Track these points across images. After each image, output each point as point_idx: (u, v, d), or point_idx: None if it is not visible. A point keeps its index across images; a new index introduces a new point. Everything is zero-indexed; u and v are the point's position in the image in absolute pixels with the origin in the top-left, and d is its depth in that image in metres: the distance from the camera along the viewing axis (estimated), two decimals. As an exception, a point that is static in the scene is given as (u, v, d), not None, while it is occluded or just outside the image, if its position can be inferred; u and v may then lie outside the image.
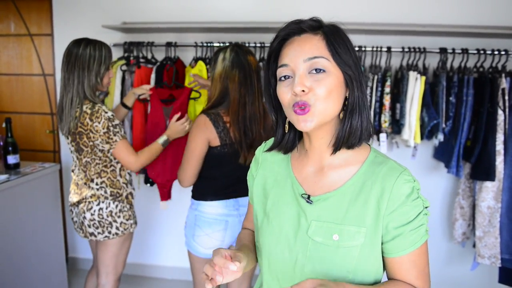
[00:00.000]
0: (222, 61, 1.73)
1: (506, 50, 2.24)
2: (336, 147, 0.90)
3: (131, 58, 2.54)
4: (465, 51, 2.29)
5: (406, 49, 2.34)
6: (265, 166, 1.05)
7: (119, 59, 2.55)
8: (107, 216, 1.89)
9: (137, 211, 2.92)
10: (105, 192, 1.89)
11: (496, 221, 2.24)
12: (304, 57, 0.85)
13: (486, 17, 2.41)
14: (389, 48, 2.35)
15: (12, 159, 2.40)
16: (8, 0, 2.92)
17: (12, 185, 2.22)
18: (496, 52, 2.25)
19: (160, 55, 2.62)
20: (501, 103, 2.17)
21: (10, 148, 2.39)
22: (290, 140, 0.98)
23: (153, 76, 2.45)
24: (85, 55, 1.79)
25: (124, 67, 2.49)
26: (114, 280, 2.03)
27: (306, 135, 0.94)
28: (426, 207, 0.88)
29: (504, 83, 2.17)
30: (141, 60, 2.53)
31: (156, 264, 3.04)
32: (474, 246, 2.37)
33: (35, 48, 2.97)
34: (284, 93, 0.87)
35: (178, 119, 2.00)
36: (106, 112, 1.79)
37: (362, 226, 0.86)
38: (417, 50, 2.33)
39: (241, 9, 2.62)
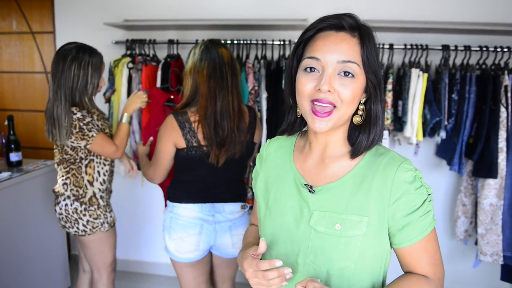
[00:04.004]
0: (192, 56, 1.67)
1: (508, 47, 2.23)
2: (357, 155, 0.91)
3: (136, 55, 2.54)
4: (467, 48, 2.28)
5: (408, 46, 2.34)
6: (269, 161, 1.06)
7: (123, 56, 2.55)
8: (73, 213, 1.91)
9: (136, 208, 2.94)
10: (66, 190, 1.91)
11: (498, 218, 2.23)
12: (339, 58, 0.83)
13: (488, 14, 2.40)
14: (391, 45, 2.35)
15: (14, 156, 2.41)
16: (10, -2, 2.92)
17: (15, 182, 2.23)
18: (498, 49, 2.24)
19: (162, 53, 2.62)
20: (503, 101, 2.17)
21: (12, 146, 2.40)
22: (299, 124, 0.99)
23: (159, 73, 2.45)
24: (70, 75, 1.80)
25: (130, 65, 2.49)
26: (107, 273, 2.05)
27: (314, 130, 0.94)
28: (429, 194, 0.89)
29: (506, 80, 2.17)
30: (147, 58, 2.53)
31: (158, 262, 3.05)
32: (476, 243, 2.37)
33: (37, 46, 2.97)
34: (305, 84, 0.86)
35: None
36: (75, 114, 1.81)
37: (365, 216, 0.86)
38: (419, 47, 2.32)
39: (243, 6, 2.62)
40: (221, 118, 1.63)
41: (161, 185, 2.12)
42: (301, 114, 0.95)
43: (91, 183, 1.93)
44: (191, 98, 1.68)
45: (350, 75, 0.84)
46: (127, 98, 2.10)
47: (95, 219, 1.93)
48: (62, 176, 1.93)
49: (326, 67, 0.84)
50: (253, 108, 1.81)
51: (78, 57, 1.81)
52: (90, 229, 1.92)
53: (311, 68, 0.86)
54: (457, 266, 2.70)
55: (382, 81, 0.89)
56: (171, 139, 1.66)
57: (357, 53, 0.85)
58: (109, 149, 1.90)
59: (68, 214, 1.91)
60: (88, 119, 1.84)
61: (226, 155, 1.66)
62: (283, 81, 2.32)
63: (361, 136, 0.90)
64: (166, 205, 1.93)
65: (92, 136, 1.83)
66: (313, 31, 0.88)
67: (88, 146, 1.86)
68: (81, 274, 2.22)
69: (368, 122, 0.90)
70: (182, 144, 1.65)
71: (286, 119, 1.00)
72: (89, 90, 1.87)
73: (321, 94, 0.83)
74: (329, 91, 0.83)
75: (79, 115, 1.82)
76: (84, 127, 1.82)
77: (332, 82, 0.83)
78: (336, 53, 0.84)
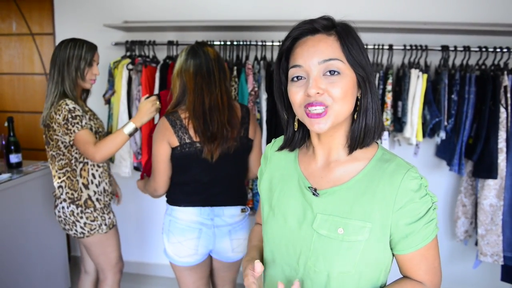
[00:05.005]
0: (179, 59, 1.69)
1: (508, 48, 2.24)
2: (352, 148, 0.91)
3: (136, 57, 2.54)
4: (467, 48, 2.28)
5: (408, 47, 2.34)
6: (273, 161, 1.06)
7: (123, 57, 2.56)
8: (70, 216, 1.91)
9: (138, 209, 2.94)
10: (61, 193, 1.92)
11: (498, 219, 2.23)
12: (319, 59, 0.84)
13: (488, 14, 2.40)
14: (390, 46, 2.35)
15: (14, 158, 2.41)
16: (10, -1, 2.93)
17: (15, 184, 2.23)
18: (498, 50, 2.24)
19: (161, 54, 2.63)
20: (503, 101, 2.17)
21: (12, 147, 2.40)
22: (299, 138, 0.98)
23: (157, 74, 2.45)
24: (65, 52, 1.87)
25: (130, 66, 2.49)
26: (112, 274, 2.06)
27: (314, 132, 0.94)
28: (434, 202, 0.89)
29: (506, 81, 2.17)
30: (147, 59, 2.53)
31: (159, 263, 3.05)
32: (476, 244, 2.36)
33: (36, 48, 2.97)
34: (296, 93, 0.86)
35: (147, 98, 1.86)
36: (67, 105, 1.81)
37: (368, 222, 0.86)
38: (419, 48, 2.32)
39: (243, 7, 2.62)
40: (210, 113, 1.63)
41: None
42: (298, 128, 0.95)
43: (86, 186, 1.92)
44: (180, 97, 1.69)
45: (335, 73, 0.84)
46: (138, 105, 1.91)
47: (92, 221, 1.92)
48: (59, 178, 1.93)
49: (310, 71, 0.85)
50: (246, 105, 1.80)
51: (74, 40, 1.90)
52: (88, 231, 1.92)
53: (297, 77, 0.87)
54: (457, 267, 2.70)
55: (373, 74, 0.89)
56: (165, 138, 1.65)
57: (337, 49, 0.85)
58: (87, 149, 1.82)
59: (66, 216, 1.92)
60: (77, 113, 1.82)
61: (219, 149, 1.65)
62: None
63: (353, 127, 0.90)
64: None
65: (74, 131, 1.81)
66: (290, 41, 0.90)
67: (71, 142, 1.85)
68: (82, 276, 2.22)
69: (359, 114, 0.90)
70: (175, 142, 1.65)
71: (285, 135, 1.00)
72: (81, 64, 1.87)
73: (311, 98, 0.84)
74: (318, 93, 0.83)
75: (70, 106, 1.81)
76: (70, 120, 1.80)
77: (319, 84, 0.83)
78: (316, 55, 0.84)
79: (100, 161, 1.84)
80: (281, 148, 1.02)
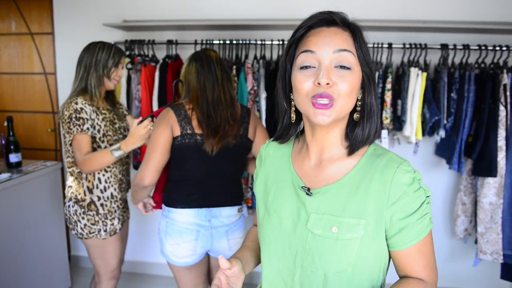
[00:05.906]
0: (183, 66, 1.77)
1: (507, 46, 2.23)
2: (353, 150, 0.90)
3: (136, 56, 2.54)
4: (466, 47, 2.28)
5: (407, 46, 2.34)
6: (268, 162, 1.05)
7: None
8: (73, 215, 1.92)
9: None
10: (68, 192, 1.94)
11: (498, 217, 2.24)
12: (335, 48, 0.83)
13: (487, 12, 2.41)
14: (390, 45, 2.35)
15: (14, 157, 2.41)
16: (9, -1, 2.92)
17: (14, 183, 2.23)
18: (497, 48, 2.24)
19: (161, 53, 2.63)
20: (502, 99, 2.17)
21: (12, 147, 2.40)
22: (292, 129, 0.98)
23: (157, 74, 2.45)
24: (94, 51, 1.90)
25: (129, 65, 2.49)
26: (106, 279, 2.04)
27: (309, 128, 0.93)
28: (427, 196, 0.88)
29: (505, 79, 2.17)
30: (146, 58, 2.53)
31: (159, 262, 3.05)
32: (476, 242, 2.37)
33: (36, 47, 2.97)
34: (304, 82, 0.85)
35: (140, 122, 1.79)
36: (76, 103, 1.81)
37: (362, 218, 0.85)
38: (418, 46, 2.32)
39: (242, 7, 2.62)
40: (214, 106, 1.68)
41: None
42: (294, 119, 0.95)
43: (90, 191, 1.91)
44: (186, 95, 1.74)
45: (346, 68, 0.84)
46: (131, 129, 1.80)
47: (93, 224, 1.92)
48: (70, 176, 1.95)
49: (322, 60, 0.84)
50: (246, 106, 1.83)
51: (103, 42, 1.94)
52: (87, 234, 1.92)
53: (306, 66, 0.85)
54: (457, 265, 2.71)
55: (375, 75, 0.90)
56: (169, 124, 1.65)
57: (350, 44, 0.86)
58: (76, 156, 1.83)
59: (70, 215, 1.93)
60: (83, 115, 1.81)
61: (220, 143, 1.66)
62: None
63: (357, 130, 0.89)
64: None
65: (73, 132, 1.80)
66: (304, 29, 0.88)
67: (69, 142, 1.85)
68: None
69: (363, 116, 0.89)
70: (177, 131, 1.65)
71: (281, 124, 0.98)
72: (109, 63, 1.91)
73: (321, 88, 0.82)
74: (327, 83, 0.82)
75: (79, 106, 1.81)
76: (74, 120, 1.80)
77: (330, 75, 0.82)
78: (331, 45, 0.84)
79: (86, 173, 1.86)
80: (277, 138, 1.01)
